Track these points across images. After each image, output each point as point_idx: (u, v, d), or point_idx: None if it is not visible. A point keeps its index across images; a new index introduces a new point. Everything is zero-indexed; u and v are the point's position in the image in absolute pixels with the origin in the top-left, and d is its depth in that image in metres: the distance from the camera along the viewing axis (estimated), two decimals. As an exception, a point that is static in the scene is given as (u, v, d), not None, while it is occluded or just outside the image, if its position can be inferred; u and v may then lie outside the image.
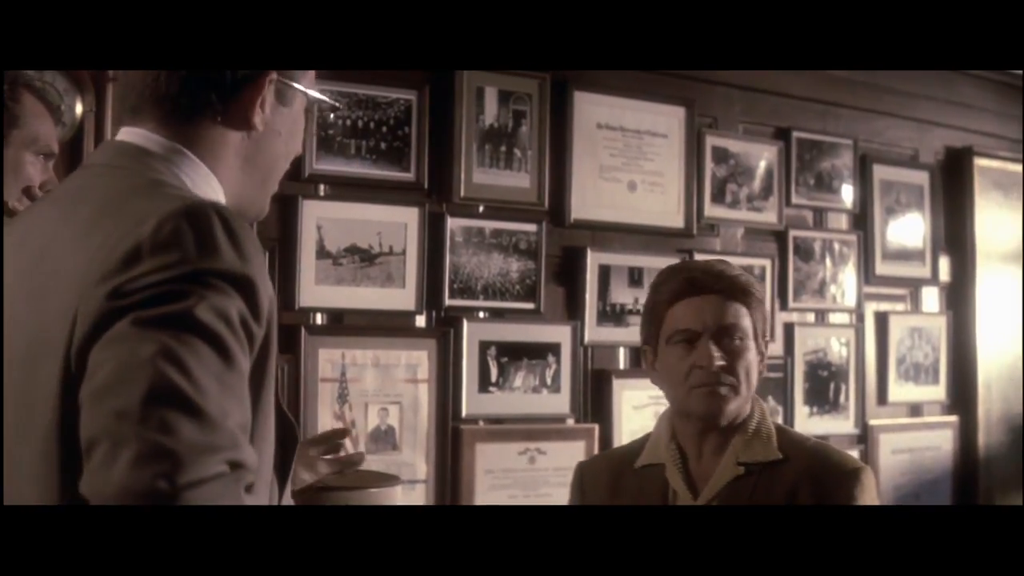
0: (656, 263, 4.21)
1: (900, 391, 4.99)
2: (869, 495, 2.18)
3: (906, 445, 4.93)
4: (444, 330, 3.84)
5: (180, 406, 1.19)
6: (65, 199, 1.50)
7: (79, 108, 3.23)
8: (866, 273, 4.88)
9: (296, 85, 1.62)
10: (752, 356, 2.26)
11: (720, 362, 2.22)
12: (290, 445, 1.55)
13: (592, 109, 4.16)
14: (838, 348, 4.77)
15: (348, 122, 3.69)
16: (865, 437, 4.80)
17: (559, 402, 4.05)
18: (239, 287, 1.30)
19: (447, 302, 3.85)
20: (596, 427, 4.11)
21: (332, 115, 3.64)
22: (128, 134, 1.53)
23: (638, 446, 2.46)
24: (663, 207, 4.32)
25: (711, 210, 4.44)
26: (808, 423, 4.58)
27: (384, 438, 3.73)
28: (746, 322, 2.26)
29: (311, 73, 1.67)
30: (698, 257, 4.26)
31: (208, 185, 1.53)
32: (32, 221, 1.52)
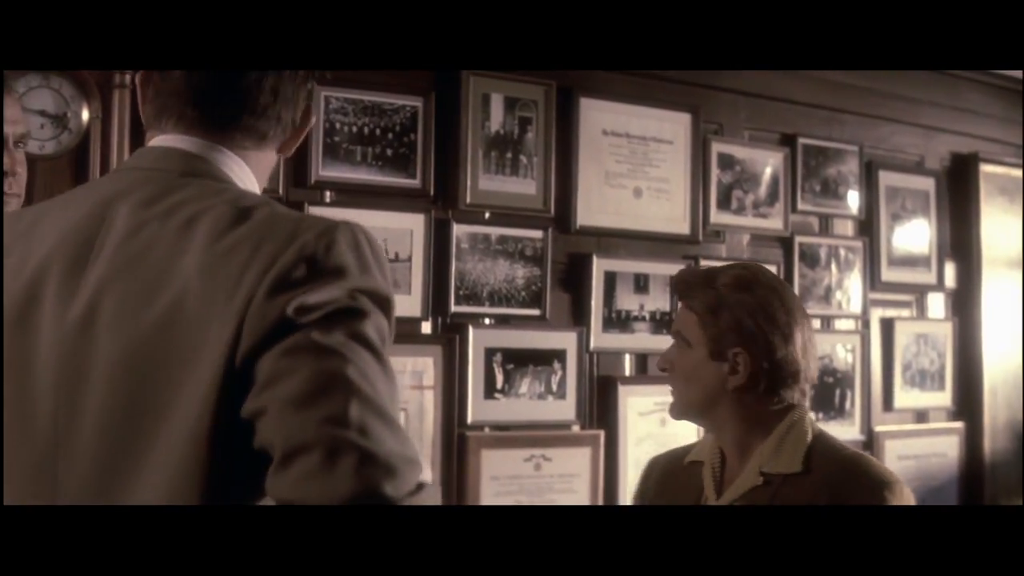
0: (662, 270, 4.22)
1: (906, 397, 4.97)
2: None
3: (912, 451, 4.91)
4: (450, 336, 3.83)
5: (380, 417, 1.24)
6: (147, 203, 1.42)
7: (85, 115, 3.22)
8: (872, 279, 4.87)
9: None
10: (688, 361, 2.29)
11: (663, 362, 2.37)
12: None
13: (598, 116, 4.15)
14: (844, 354, 4.76)
15: (354, 129, 3.69)
16: (871, 443, 4.78)
17: (565, 408, 4.04)
18: (384, 307, 1.34)
19: (453, 308, 3.83)
20: (602, 433, 4.09)
21: (338, 122, 3.64)
22: (183, 142, 1.50)
23: (695, 444, 2.52)
24: (669, 214, 4.31)
25: (717, 216, 4.43)
26: (814, 429, 4.56)
27: (390, 444, 3.71)
28: (687, 328, 2.31)
29: None
30: (703, 263, 4.26)
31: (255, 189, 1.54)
32: (99, 219, 1.43)
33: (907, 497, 2.17)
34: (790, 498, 2.18)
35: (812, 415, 2.36)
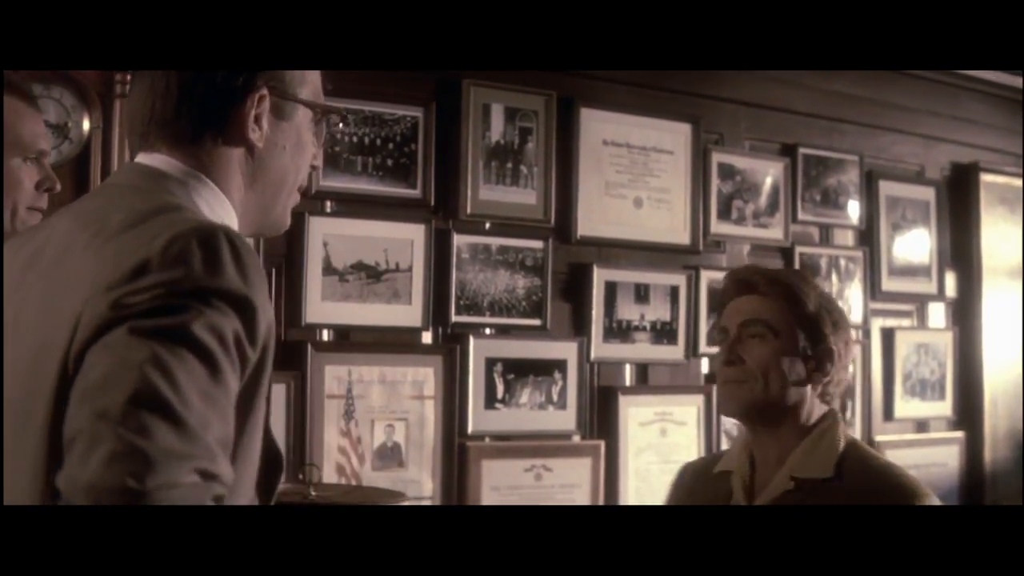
0: (662, 279, 4.22)
1: (906, 407, 4.96)
2: None
3: (912, 461, 4.89)
4: (450, 347, 3.82)
5: (161, 412, 1.20)
6: (83, 213, 1.51)
7: (86, 124, 3.22)
8: (872, 289, 4.86)
9: (292, 99, 1.62)
10: (775, 349, 2.23)
11: (730, 357, 2.26)
12: (275, 471, 1.55)
13: (598, 126, 4.15)
14: (844, 364, 4.74)
15: (355, 139, 3.68)
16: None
17: (565, 419, 4.03)
18: (238, 308, 1.33)
19: (453, 319, 3.83)
20: (602, 444, 4.08)
21: (339, 132, 3.63)
22: (145, 158, 1.56)
23: (724, 452, 2.49)
24: (669, 223, 4.30)
25: (717, 226, 4.42)
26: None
27: (390, 455, 3.71)
28: (772, 316, 2.25)
29: (312, 84, 1.66)
30: (704, 273, 4.26)
31: (222, 208, 1.55)
32: (49, 233, 1.52)
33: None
34: (822, 503, 2.16)
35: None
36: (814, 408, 2.27)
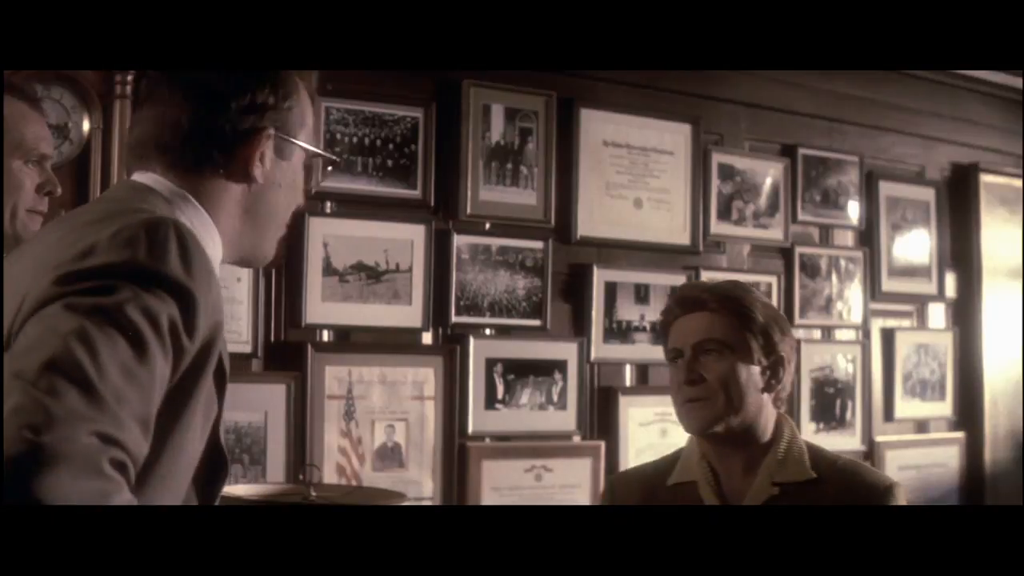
0: (662, 280, 4.21)
1: (906, 407, 4.95)
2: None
3: (913, 462, 4.90)
4: (450, 347, 3.82)
5: (74, 378, 1.23)
6: (67, 218, 1.61)
7: (86, 125, 3.22)
8: (872, 289, 4.85)
9: (295, 141, 1.70)
10: (731, 367, 2.28)
11: (691, 376, 2.29)
12: (217, 470, 1.59)
13: (598, 126, 4.14)
14: (844, 365, 4.74)
15: (355, 139, 3.68)
16: (871, 454, 4.77)
17: (565, 419, 4.03)
18: (177, 296, 1.37)
19: (453, 319, 3.83)
20: (602, 444, 4.08)
21: (339, 133, 3.63)
22: (139, 176, 1.63)
23: (667, 464, 2.47)
24: (669, 224, 4.30)
25: (717, 227, 4.42)
26: (814, 440, 4.48)
27: (390, 455, 3.71)
28: (728, 334, 2.30)
29: (308, 128, 1.75)
30: (704, 274, 4.25)
31: (204, 229, 1.61)
32: (37, 236, 1.64)
33: (905, 498, 2.26)
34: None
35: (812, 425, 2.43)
36: (770, 415, 2.34)
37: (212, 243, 1.62)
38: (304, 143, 1.72)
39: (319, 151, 1.79)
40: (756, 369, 2.30)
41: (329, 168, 1.84)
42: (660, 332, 2.45)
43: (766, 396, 2.32)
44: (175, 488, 1.48)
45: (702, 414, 2.29)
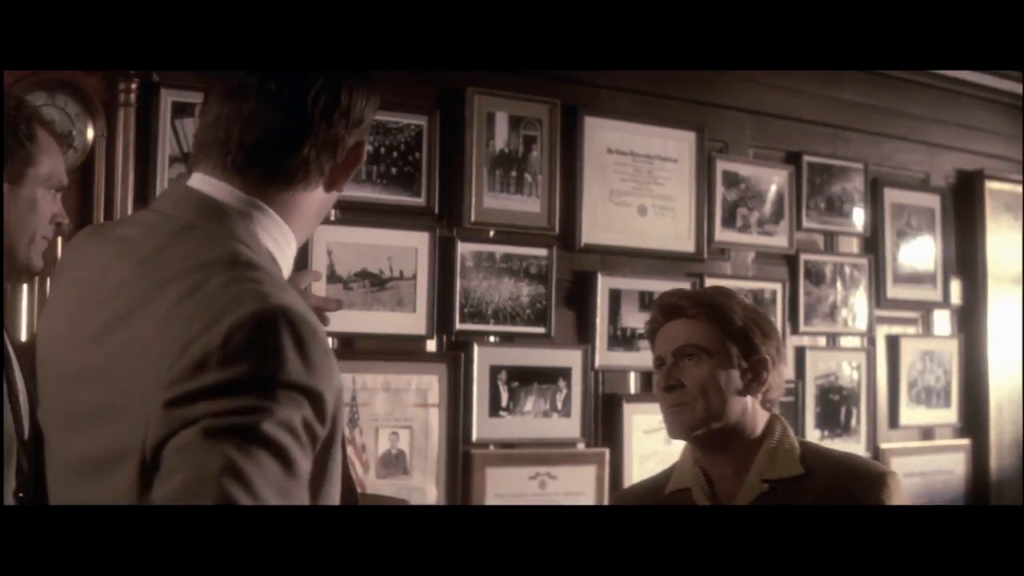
0: (667, 287, 4.15)
1: (912, 414, 4.94)
2: (897, 498, 2.23)
3: (918, 468, 4.88)
4: (455, 354, 3.81)
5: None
6: (142, 259, 1.50)
7: (91, 133, 3.21)
8: (877, 296, 4.84)
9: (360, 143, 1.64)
10: (710, 371, 2.30)
11: (670, 382, 2.33)
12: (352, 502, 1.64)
13: (602, 134, 4.13)
14: (849, 372, 4.73)
15: (359, 147, 3.67)
16: (876, 460, 4.74)
17: (570, 426, 4.01)
18: (305, 395, 1.33)
19: (457, 326, 3.82)
20: (607, 451, 4.06)
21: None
22: (202, 182, 1.55)
23: (665, 475, 2.51)
24: (674, 231, 4.29)
25: (721, 234, 4.40)
26: (819, 447, 4.54)
27: (394, 462, 3.70)
28: (706, 339, 2.32)
29: None
30: (708, 281, 4.24)
31: (285, 240, 1.56)
32: (100, 268, 1.54)
33: (901, 485, 2.27)
34: (800, 500, 2.24)
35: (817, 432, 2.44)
36: (758, 416, 2.35)
37: (289, 251, 1.58)
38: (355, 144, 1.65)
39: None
40: (736, 372, 2.32)
41: None
42: (648, 340, 2.46)
43: (750, 398, 2.33)
44: None
45: (683, 419, 2.32)
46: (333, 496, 1.48)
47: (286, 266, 1.58)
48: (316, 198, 1.60)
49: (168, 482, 1.28)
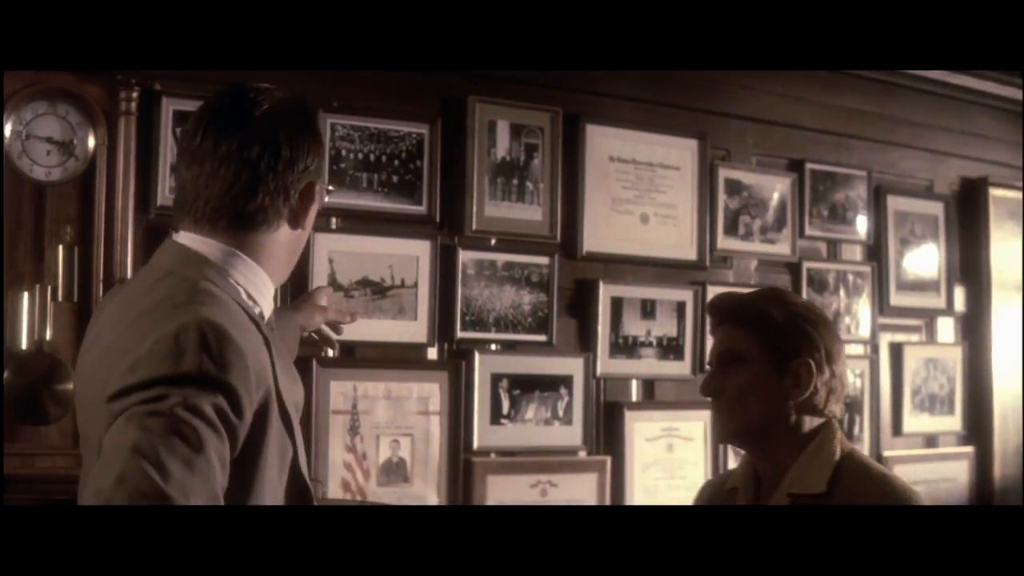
0: (669, 295, 4.19)
1: (915, 422, 4.91)
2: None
3: (921, 476, 4.85)
4: (456, 362, 3.80)
5: (144, 491, 1.44)
6: (131, 293, 1.79)
7: (92, 142, 3.21)
8: (880, 304, 4.81)
9: (328, 187, 1.94)
10: (746, 378, 2.25)
11: (709, 387, 2.31)
12: (305, 503, 1.82)
13: (604, 142, 4.12)
14: (852, 379, 4.70)
15: (360, 155, 3.67)
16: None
17: (571, 434, 4.00)
18: (216, 388, 1.57)
19: (459, 334, 3.80)
20: (608, 459, 4.05)
21: (344, 149, 3.62)
22: (189, 239, 1.78)
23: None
24: (676, 239, 4.27)
25: (724, 242, 4.38)
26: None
27: (395, 470, 3.69)
28: (741, 345, 2.27)
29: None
30: (711, 289, 4.22)
31: (259, 280, 1.81)
32: (111, 302, 1.86)
33: None
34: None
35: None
36: (804, 421, 2.26)
37: (265, 288, 1.82)
38: (326, 184, 1.94)
39: (329, 188, 2.00)
40: (776, 377, 2.24)
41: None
42: None
43: (792, 403, 2.24)
44: None
45: (721, 424, 2.31)
46: (268, 489, 1.68)
47: (264, 301, 1.82)
48: (283, 237, 1.82)
49: (99, 461, 1.51)
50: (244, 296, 1.78)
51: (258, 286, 1.80)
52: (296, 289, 3.52)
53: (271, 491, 1.70)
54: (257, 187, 1.76)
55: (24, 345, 3.11)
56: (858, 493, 2.16)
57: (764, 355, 2.25)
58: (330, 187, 2.17)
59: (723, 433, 2.33)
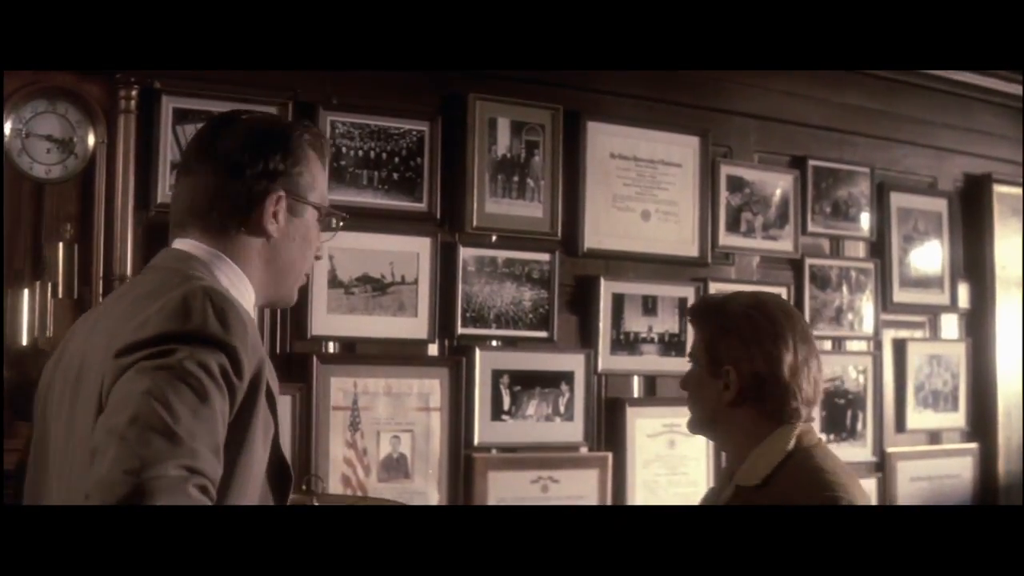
0: (670, 292, 4.16)
1: (918, 418, 4.87)
2: None
3: (925, 473, 4.81)
4: (456, 359, 3.78)
5: (155, 427, 1.52)
6: (126, 290, 1.92)
7: (91, 140, 3.20)
8: (883, 300, 4.77)
9: (308, 200, 1.95)
10: (694, 376, 2.39)
11: (681, 381, 2.46)
12: (283, 478, 1.88)
13: (605, 139, 4.09)
14: (855, 376, 4.67)
15: (360, 153, 3.65)
16: (883, 465, 4.69)
17: (572, 430, 3.97)
18: (220, 348, 1.65)
19: (459, 331, 3.78)
20: (610, 455, 4.02)
21: (344, 146, 3.60)
22: (180, 243, 1.91)
23: None
24: (677, 236, 4.24)
25: (726, 239, 4.35)
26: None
27: (396, 466, 3.67)
28: (696, 346, 2.40)
29: (319, 190, 1.98)
30: (712, 286, 4.20)
31: (240, 282, 1.91)
32: (105, 307, 1.94)
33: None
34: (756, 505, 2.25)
35: (819, 435, 2.37)
36: (758, 420, 2.32)
37: (246, 292, 1.91)
38: (314, 201, 1.95)
39: (330, 209, 2.02)
40: (719, 383, 2.33)
41: (341, 224, 2.10)
42: None
43: (727, 405, 2.32)
44: (248, 498, 1.75)
45: (689, 419, 2.45)
46: (254, 463, 1.74)
47: (245, 301, 1.88)
48: (257, 245, 1.92)
49: (108, 406, 1.59)
50: (222, 286, 1.88)
51: (239, 287, 1.90)
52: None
53: (257, 459, 1.77)
54: (224, 193, 1.88)
55: (24, 342, 3.10)
56: (789, 486, 2.22)
57: (705, 358, 2.36)
58: (343, 215, 2.14)
59: (689, 427, 2.46)
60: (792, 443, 2.28)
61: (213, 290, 1.72)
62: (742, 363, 2.30)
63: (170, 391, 1.56)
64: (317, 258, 2.06)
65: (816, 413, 2.42)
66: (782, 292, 4.43)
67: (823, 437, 4.43)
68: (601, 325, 4.04)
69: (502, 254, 3.86)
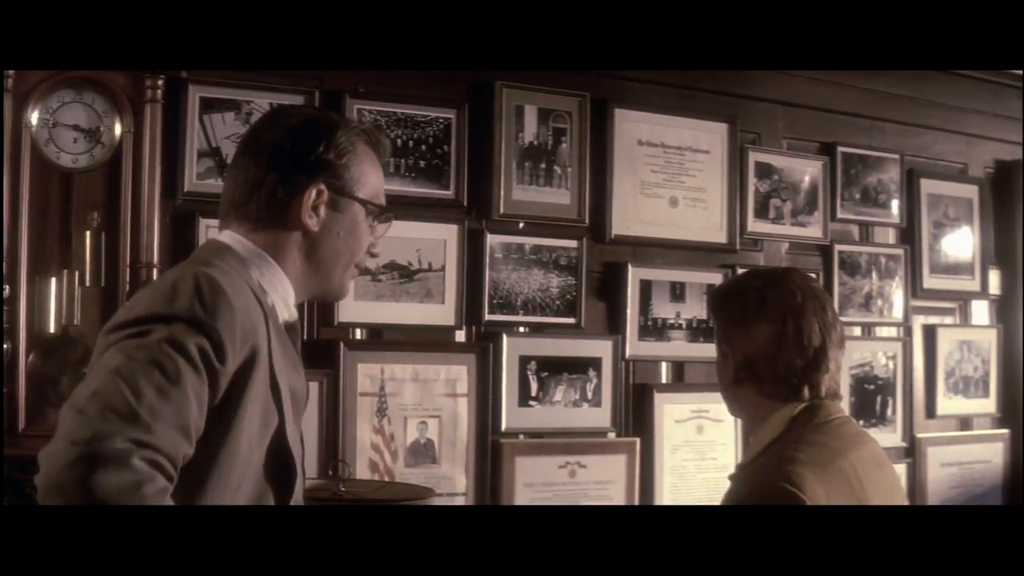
0: (698, 278, 4.06)
1: (949, 404, 4.73)
2: (734, 500, 2.15)
3: (955, 458, 4.68)
4: (483, 345, 3.69)
5: (114, 403, 1.51)
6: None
7: (118, 129, 3.12)
8: (914, 286, 4.64)
9: (354, 195, 1.92)
10: (717, 359, 2.34)
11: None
12: (287, 475, 1.83)
13: (633, 126, 3.98)
14: (885, 361, 4.54)
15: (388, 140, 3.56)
16: (913, 450, 4.57)
17: (600, 416, 3.87)
18: (201, 330, 1.63)
19: (487, 317, 3.69)
20: (637, 441, 3.92)
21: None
22: (221, 234, 1.91)
23: None
24: (705, 222, 4.13)
25: (754, 225, 4.23)
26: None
27: (423, 451, 3.59)
28: (716, 328, 2.35)
29: (370, 186, 1.96)
30: (741, 271, 4.08)
31: (276, 278, 1.88)
32: None
33: (764, 500, 2.05)
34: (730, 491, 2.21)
35: (839, 414, 2.28)
36: (761, 407, 2.25)
37: (280, 286, 1.88)
38: (360, 197, 1.93)
39: (375, 204, 1.98)
40: (727, 361, 2.29)
41: (389, 223, 2.10)
42: None
43: (746, 388, 2.26)
44: (236, 486, 1.72)
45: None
46: (243, 452, 1.72)
47: (275, 294, 1.87)
48: (295, 239, 1.88)
49: (79, 384, 1.59)
50: (256, 285, 1.85)
51: (272, 281, 1.87)
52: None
53: (247, 447, 1.73)
54: (254, 185, 1.86)
55: (52, 329, 3.04)
56: (755, 470, 2.17)
57: (721, 338, 2.31)
58: (390, 213, 2.12)
59: (730, 412, 2.42)
60: (783, 425, 2.18)
61: (206, 275, 1.69)
62: (735, 342, 2.26)
63: (139, 369, 1.56)
64: (372, 254, 2.04)
65: (834, 389, 2.27)
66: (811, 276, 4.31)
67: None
68: (629, 311, 3.94)
69: (529, 241, 3.77)
